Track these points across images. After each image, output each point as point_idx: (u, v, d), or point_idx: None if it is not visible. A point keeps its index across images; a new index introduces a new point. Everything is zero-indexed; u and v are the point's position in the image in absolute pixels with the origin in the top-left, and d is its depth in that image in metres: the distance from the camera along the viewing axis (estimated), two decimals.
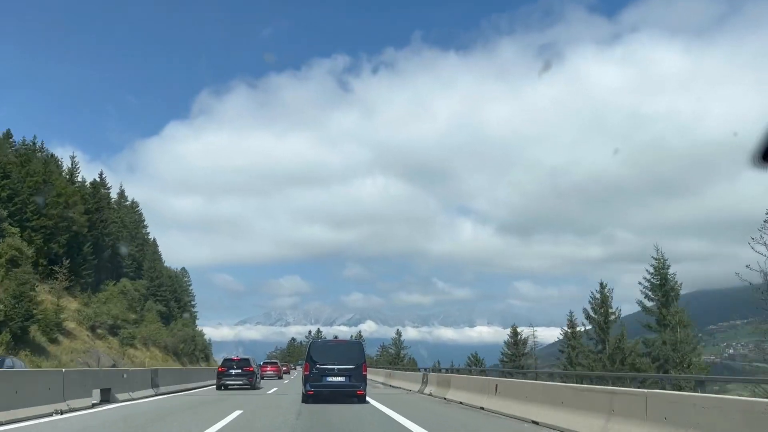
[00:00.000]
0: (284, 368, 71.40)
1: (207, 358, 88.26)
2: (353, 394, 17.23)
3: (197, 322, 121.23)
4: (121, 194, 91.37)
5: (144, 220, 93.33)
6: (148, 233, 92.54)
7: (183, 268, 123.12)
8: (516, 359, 55.89)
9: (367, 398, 17.76)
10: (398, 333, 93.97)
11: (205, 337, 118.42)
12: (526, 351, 57.83)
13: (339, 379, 17.48)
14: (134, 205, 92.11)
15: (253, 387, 26.89)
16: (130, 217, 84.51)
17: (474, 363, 59.80)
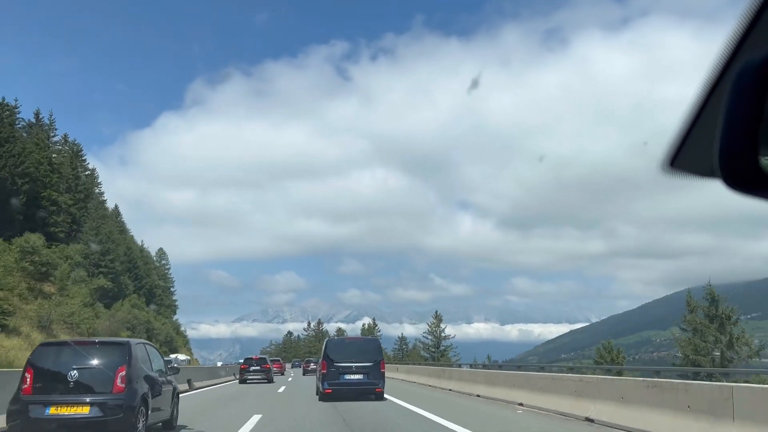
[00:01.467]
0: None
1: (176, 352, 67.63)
2: (372, 391, 17.06)
3: (178, 313, 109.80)
4: (65, 139, 75.33)
5: (100, 182, 79.33)
6: (103, 195, 78.73)
7: (160, 249, 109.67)
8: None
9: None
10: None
11: (183, 330, 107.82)
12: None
13: (357, 377, 17.29)
14: (77, 151, 74.43)
15: (270, 381, 31.40)
16: (71, 168, 69.00)
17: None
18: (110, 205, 79.01)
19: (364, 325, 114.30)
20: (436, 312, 73.49)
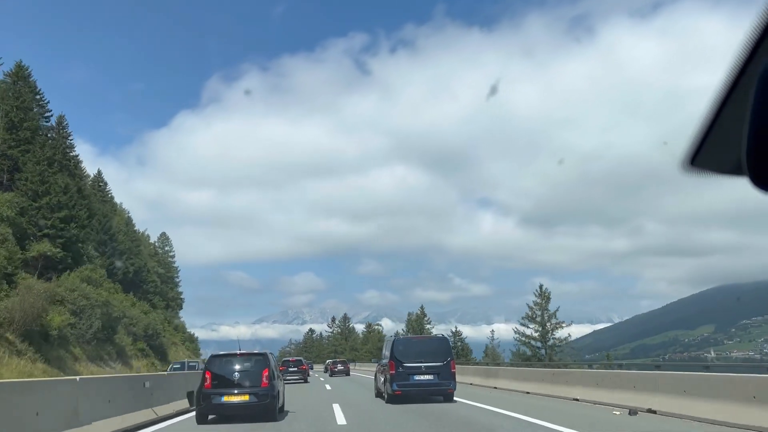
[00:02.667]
0: None
1: (161, 355, 55.05)
2: (443, 393, 16.54)
3: (195, 314, 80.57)
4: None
5: (70, 132, 60.93)
6: (74, 150, 61.14)
7: (163, 233, 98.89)
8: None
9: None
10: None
11: (189, 330, 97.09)
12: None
13: (427, 377, 16.69)
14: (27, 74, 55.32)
15: (306, 381, 33.34)
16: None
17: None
18: (91, 171, 70.71)
19: (381, 326, 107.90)
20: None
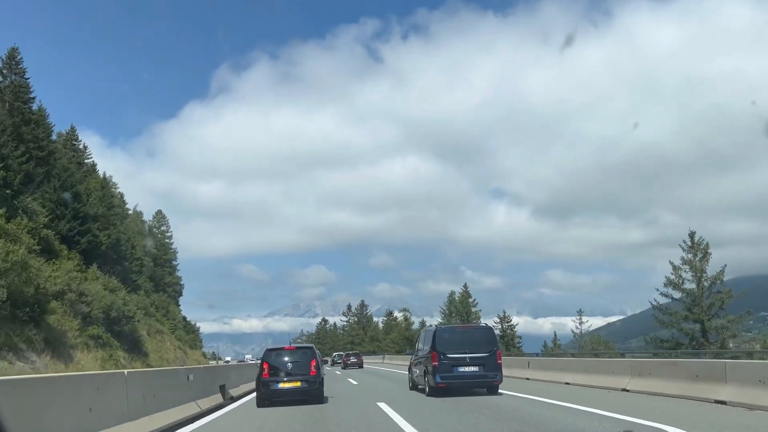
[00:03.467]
0: None
1: (131, 345, 42.98)
2: (489, 385, 15.92)
3: (181, 301, 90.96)
4: None
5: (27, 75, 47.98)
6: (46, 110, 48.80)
7: (159, 211, 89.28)
8: None
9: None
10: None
11: (192, 320, 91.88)
12: None
13: (472, 369, 15.97)
14: None
15: (361, 366, 40.38)
16: None
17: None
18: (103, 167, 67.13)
19: (396, 316, 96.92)
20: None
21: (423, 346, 17.16)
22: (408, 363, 19.90)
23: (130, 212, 74.02)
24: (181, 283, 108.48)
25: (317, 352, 15.93)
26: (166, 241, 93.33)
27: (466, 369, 15.56)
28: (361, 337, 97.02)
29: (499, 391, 15.43)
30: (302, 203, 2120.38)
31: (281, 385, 14.74)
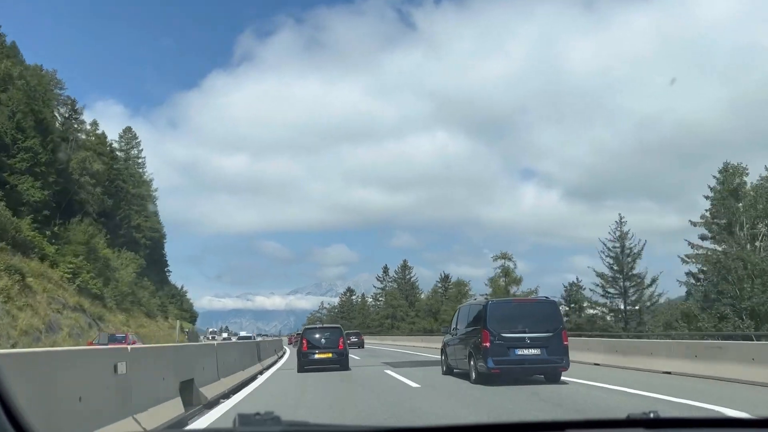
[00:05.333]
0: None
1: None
2: (553, 371, 13.33)
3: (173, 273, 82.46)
4: None
5: None
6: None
7: (128, 128, 73.02)
8: None
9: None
10: None
11: (188, 297, 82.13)
12: None
13: (533, 351, 13.14)
14: None
15: (362, 346, 44.07)
16: None
17: None
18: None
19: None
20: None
21: (463, 324, 14.99)
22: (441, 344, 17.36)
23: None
24: (164, 232, 78.65)
25: (343, 331, 21.02)
26: (138, 170, 63.28)
27: (526, 352, 12.94)
28: (405, 310, 66.19)
29: (564, 378, 13.25)
30: (326, 179, 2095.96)
31: (317, 356, 19.09)
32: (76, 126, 58.98)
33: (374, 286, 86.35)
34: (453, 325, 16.09)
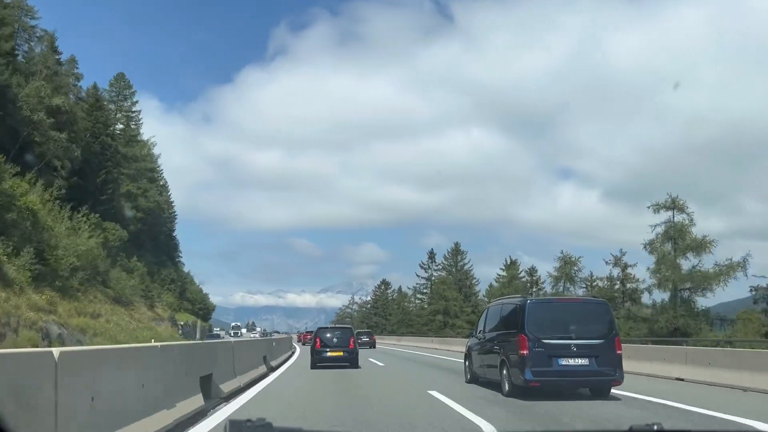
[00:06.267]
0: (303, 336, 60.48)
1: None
2: (604, 385, 11.44)
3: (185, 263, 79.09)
4: None
5: None
6: None
7: (121, 74, 58.37)
8: None
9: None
10: None
11: (199, 287, 78.89)
12: None
13: (579, 361, 11.09)
14: None
15: (373, 346, 44.15)
16: None
17: None
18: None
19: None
20: None
21: (493, 326, 13.12)
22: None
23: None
24: (174, 212, 67.12)
25: (354, 331, 23.36)
26: (132, 125, 47.42)
27: (571, 362, 10.96)
28: (459, 304, 51.00)
29: (615, 392, 11.76)
30: (358, 175, 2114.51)
31: (329, 353, 20.34)
32: (49, 66, 45.40)
33: (417, 275, 71.89)
34: (480, 327, 14.11)
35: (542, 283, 53.21)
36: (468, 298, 64.67)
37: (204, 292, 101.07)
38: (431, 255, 71.40)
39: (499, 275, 57.49)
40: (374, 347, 43.63)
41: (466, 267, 68.10)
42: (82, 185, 51.75)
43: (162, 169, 74.20)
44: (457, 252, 68.27)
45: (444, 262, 69.12)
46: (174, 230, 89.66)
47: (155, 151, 70.25)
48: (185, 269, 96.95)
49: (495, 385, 12.34)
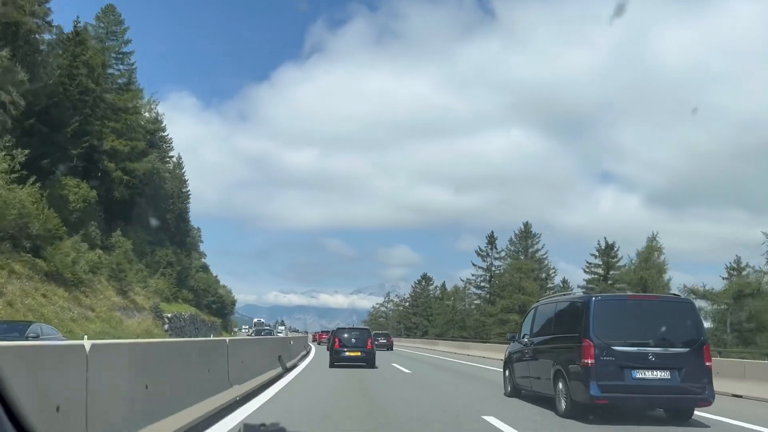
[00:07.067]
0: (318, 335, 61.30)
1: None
2: (689, 405, 9.39)
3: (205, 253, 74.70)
4: None
5: None
6: None
7: (109, 6, 48.82)
8: None
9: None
10: None
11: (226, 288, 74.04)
12: None
13: (659, 374, 8.93)
14: None
15: (390, 348, 44.33)
16: None
17: None
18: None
19: None
20: None
21: (544, 329, 11.05)
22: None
23: None
24: (188, 191, 54.27)
25: (371, 332, 24.12)
26: (119, 67, 31.62)
27: (649, 375, 8.77)
28: (537, 298, 35.15)
29: (701, 413, 10.18)
30: (392, 176, 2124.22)
31: (347, 353, 20.86)
32: None
33: (473, 263, 58.77)
34: (525, 330, 11.95)
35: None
36: (543, 290, 51.18)
37: (221, 283, 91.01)
38: (491, 239, 59.04)
39: (591, 263, 44.95)
40: (391, 349, 44.75)
41: (539, 254, 56.15)
42: (46, 133, 41.11)
43: (171, 138, 64.52)
44: (526, 234, 55.51)
45: (509, 248, 58.24)
46: (188, 212, 79.57)
47: (161, 114, 59.97)
48: (205, 261, 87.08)
49: (544, 401, 10.48)
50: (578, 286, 45.65)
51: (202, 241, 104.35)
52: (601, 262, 45.41)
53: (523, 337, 11.54)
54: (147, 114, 58.81)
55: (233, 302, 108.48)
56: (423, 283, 77.45)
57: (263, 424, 1.72)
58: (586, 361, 8.66)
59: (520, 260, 52.93)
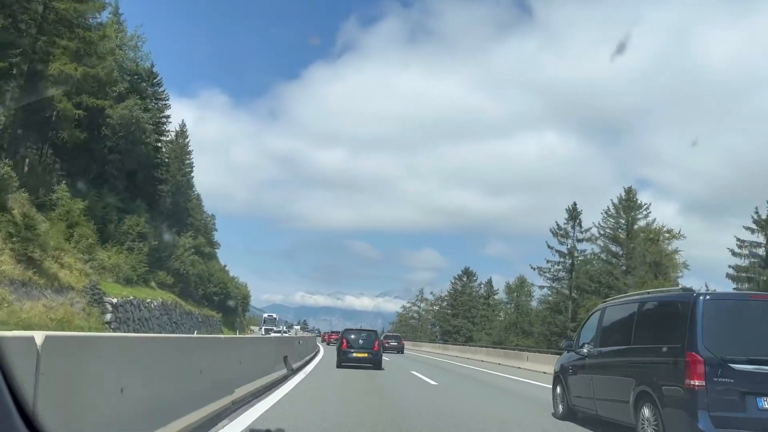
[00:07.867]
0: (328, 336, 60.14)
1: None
2: None
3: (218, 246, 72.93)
4: None
5: None
6: None
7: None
8: None
9: None
10: None
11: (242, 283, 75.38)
12: None
13: None
14: None
15: (401, 351, 45.46)
16: None
17: None
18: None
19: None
20: None
21: (616, 336, 9.16)
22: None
23: None
24: (191, 162, 37.92)
25: (380, 335, 29.02)
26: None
27: None
28: (653, 288, 21.74)
29: None
30: (421, 178, 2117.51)
31: (354, 354, 21.84)
32: None
33: (548, 245, 45.31)
34: (585, 338, 10.12)
35: None
36: (656, 277, 37.89)
37: (234, 276, 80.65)
38: (573, 212, 42.07)
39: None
40: (402, 352, 43.88)
41: (650, 223, 40.18)
42: None
43: (168, 95, 52.86)
44: (630, 204, 37.91)
45: (602, 224, 40.36)
46: (193, 188, 68.90)
47: (149, 54, 48.20)
48: (216, 251, 76.55)
49: (616, 428, 8.55)
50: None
51: (216, 230, 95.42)
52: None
53: (583, 346, 9.22)
54: (132, 53, 49.86)
55: (246, 297, 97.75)
56: (464, 279, 65.89)
57: (269, 430, 1.80)
58: (692, 382, 6.50)
59: (604, 246, 41.00)
